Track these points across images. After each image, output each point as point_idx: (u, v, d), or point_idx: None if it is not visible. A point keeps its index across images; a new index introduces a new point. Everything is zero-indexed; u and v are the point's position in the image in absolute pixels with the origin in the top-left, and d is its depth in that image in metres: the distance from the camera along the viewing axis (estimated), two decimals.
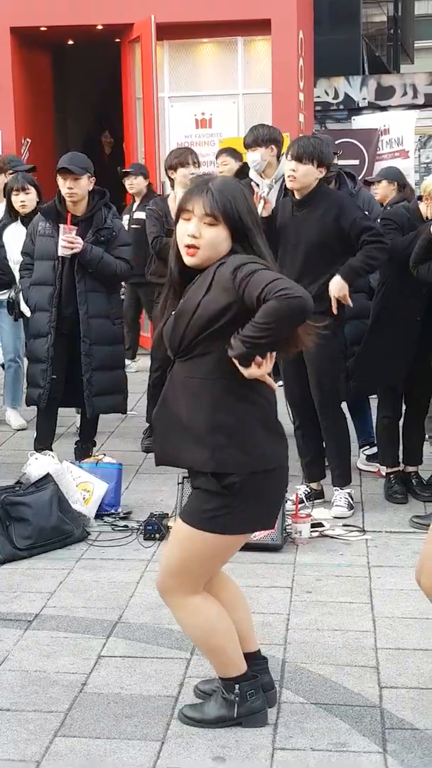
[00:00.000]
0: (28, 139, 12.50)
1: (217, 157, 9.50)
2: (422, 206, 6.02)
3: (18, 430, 8.01)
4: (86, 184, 6.46)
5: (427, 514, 5.86)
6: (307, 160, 5.78)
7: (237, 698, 3.70)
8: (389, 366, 6.13)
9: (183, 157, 6.98)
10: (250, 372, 3.36)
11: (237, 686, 3.70)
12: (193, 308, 3.42)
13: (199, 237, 3.40)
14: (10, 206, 7.74)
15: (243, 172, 7.90)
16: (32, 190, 7.64)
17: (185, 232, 3.43)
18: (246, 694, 3.71)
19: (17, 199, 7.63)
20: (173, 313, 3.52)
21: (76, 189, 6.41)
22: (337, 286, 5.76)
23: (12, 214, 7.70)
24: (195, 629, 3.71)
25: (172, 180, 7.11)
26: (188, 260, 3.45)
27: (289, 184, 5.90)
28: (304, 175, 5.81)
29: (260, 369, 3.38)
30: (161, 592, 3.70)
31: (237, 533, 3.58)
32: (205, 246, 3.41)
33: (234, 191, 3.46)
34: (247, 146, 7.11)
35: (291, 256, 5.85)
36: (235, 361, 3.35)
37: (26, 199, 7.58)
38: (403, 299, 5.95)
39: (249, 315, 3.29)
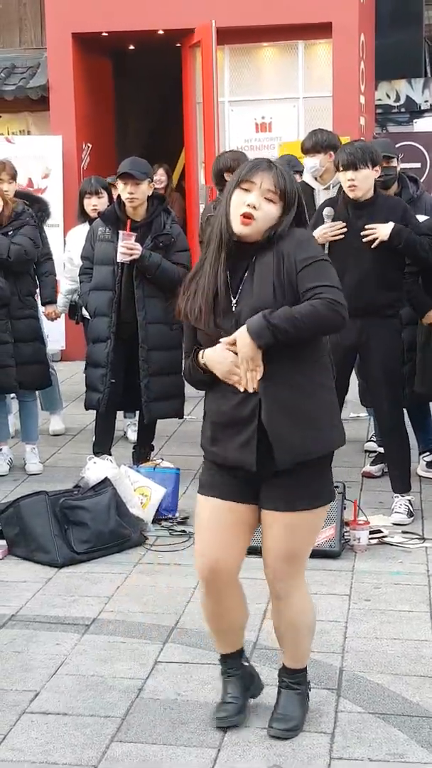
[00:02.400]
0: (88, 144, 12.57)
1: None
2: None
3: (54, 435, 8.09)
4: (146, 189, 6.48)
5: None
6: (362, 165, 5.75)
7: (308, 689, 3.81)
8: None
9: (241, 159, 6.97)
10: (243, 359, 3.43)
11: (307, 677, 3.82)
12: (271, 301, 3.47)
13: (258, 209, 3.47)
14: (82, 209, 7.79)
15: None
16: (104, 194, 7.68)
17: (243, 201, 3.48)
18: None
19: (89, 203, 7.67)
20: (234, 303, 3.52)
21: (137, 194, 6.43)
22: (386, 230, 5.77)
23: (84, 217, 7.75)
24: (310, 613, 3.79)
25: (224, 182, 7.10)
26: (240, 228, 3.49)
27: (351, 194, 5.84)
28: (364, 180, 5.78)
29: (248, 373, 3.45)
30: (285, 584, 3.66)
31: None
32: (261, 218, 3.49)
33: (292, 176, 3.61)
34: (306, 151, 7.09)
35: (355, 260, 5.79)
36: (244, 338, 3.41)
37: (98, 203, 7.61)
38: None
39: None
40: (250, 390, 3.47)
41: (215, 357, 3.52)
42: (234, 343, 3.46)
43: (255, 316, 3.43)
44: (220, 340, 3.51)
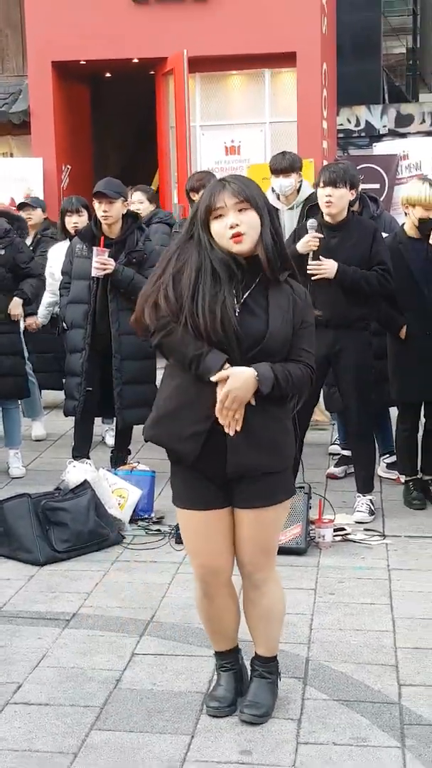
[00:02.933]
0: (68, 166, 12.56)
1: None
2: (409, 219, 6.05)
3: (36, 440, 8.06)
4: (120, 207, 6.47)
5: None
6: (341, 184, 5.75)
7: (278, 678, 3.83)
8: (415, 382, 6.11)
9: (205, 180, 6.99)
10: (235, 399, 3.39)
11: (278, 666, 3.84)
12: (285, 310, 3.50)
13: (240, 224, 3.42)
14: (63, 227, 7.79)
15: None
16: (85, 213, 7.67)
17: (225, 226, 3.43)
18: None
19: (70, 221, 7.67)
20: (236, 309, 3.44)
21: (111, 212, 6.43)
22: (332, 269, 5.73)
23: (65, 234, 7.75)
24: (282, 601, 3.80)
25: (192, 201, 7.12)
26: (238, 248, 3.43)
27: (326, 210, 5.83)
28: (340, 199, 5.79)
29: (236, 414, 3.43)
30: (263, 574, 3.67)
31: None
32: (247, 229, 3.43)
33: (244, 178, 3.59)
34: (280, 171, 7.06)
35: (327, 279, 5.79)
36: (248, 380, 3.38)
37: (79, 221, 7.61)
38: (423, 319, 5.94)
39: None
40: (232, 433, 3.43)
41: (240, 379, 3.39)
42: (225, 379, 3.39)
43: (262, 364, 3.41)
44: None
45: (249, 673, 3.85)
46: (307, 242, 5.79)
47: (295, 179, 7.09)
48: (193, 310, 3.39)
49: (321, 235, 5.80)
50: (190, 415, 3.50)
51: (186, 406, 3.51)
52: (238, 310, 3.44)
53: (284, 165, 7.05)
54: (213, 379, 3.39)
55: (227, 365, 3.39)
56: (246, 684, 3.84)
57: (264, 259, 3.45)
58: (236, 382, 3.38)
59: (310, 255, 5.77)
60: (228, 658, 3.87)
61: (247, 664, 3.89)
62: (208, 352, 3.40)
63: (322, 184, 5.81)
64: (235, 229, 3.41)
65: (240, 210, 3.43)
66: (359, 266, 5.79)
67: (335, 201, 5.78)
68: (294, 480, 3.78)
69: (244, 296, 3.47)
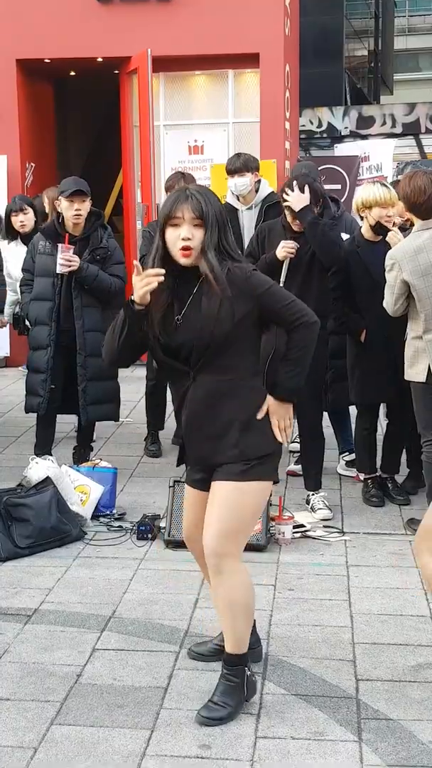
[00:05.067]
0: (32, 164, 12.49)
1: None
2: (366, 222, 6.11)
3: None
4: (89, 206, 6.48)
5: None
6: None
7: (247, 680, 3.77)
8: (373, 384, 6.15)
9: (170, 182, 7.01)
10: (283, 419, 3.73)
11: (247, 668, 3.78)
12: (214, 315, 3.54)
13: (192, 238, 3.54)
14: (9, 226, 7.75)
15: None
16: (30, 211, 7.65)
17: (178, 236, 3.54)
18: (252, 675, 3.85)
19: (17, 220, 7.65)
20: (178, 319, 3.60)
21: (83, 210, 6.44)
22: (300, 202, 5.81)
23: (11, 233, 7.72)
24: (244, 596, 3.73)
25: None
26: (184, 261, 3.57)
27: (298, 228, 5.93)
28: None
29: (287, 429, 3.77)
30: (220, 557, 3.64)
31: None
32: (197, 245, 3.54)
33: (207, 191, 3.67)
34: (233, 172, 7.12)
35: (292, 276, 5.85)
36: (282, 405, 3.72)
37: (25, 219, 7.59)
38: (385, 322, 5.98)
39: (264, 317, 3.63)
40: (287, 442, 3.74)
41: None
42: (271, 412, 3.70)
43: (278, 388, 3.70)
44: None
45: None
46: (289, 249, 5.86)
47: (251, 179, 7.11)
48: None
49: (297, 245, 5.88)
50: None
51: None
52: (179, 322, 3.61)
53: (237, 165, 7.09)
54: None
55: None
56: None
57: (211, 278, 3.54)
58: (277, 413, 3.71)
59: (286, 262, 5.85)
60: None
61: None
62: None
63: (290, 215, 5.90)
64: (186, 242, 3.54)
65: (195, 225, 3.55)
66: (322, 266, 5.86)
67: None
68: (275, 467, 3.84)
69: (185, 306, 3.61)
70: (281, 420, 3.71)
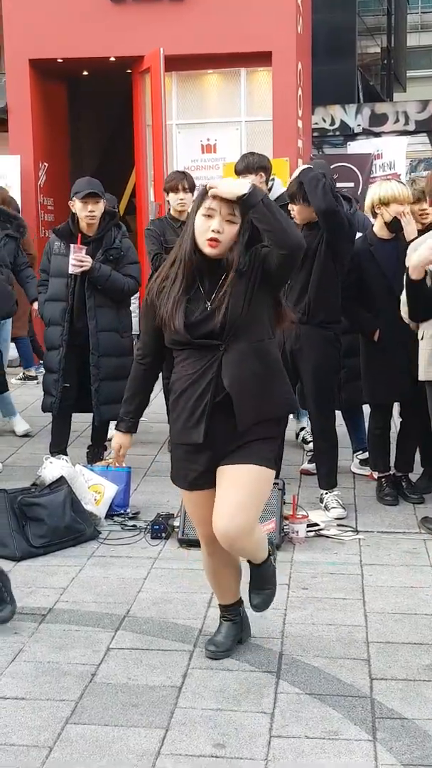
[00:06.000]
0: (45, 164, 12.52)
1: None
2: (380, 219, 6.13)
3: (26, 435, 8.04)
4: (102, 206, 6.49)
5: None
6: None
7: (271, 564, 4.19)
8: (386, 383, 6.13)
9: (174, 182, 7.03)
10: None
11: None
12: (242, 296, 3.71)
13: (222, 232, 3.65)
14: None
15: None
16: None
17: (209, 227, 3.66)
18: None
19: None
20: (207, 306, 3.74)
21: (97, 212, 6.46)
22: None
23: None
24: (264, 549, 4.04)
25: (167, 201, 7.17)
26: (209, 251, 3.70)
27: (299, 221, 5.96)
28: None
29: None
30: (244, 533, 3.82)
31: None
32: (225, 240, 3.68)
33: None
34: (238, 173, 7.11)
35: (298, 270, 5.85)
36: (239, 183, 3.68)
37: None
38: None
39: (272, 274, 3.73)
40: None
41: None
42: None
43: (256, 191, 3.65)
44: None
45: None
46: None
47: (255, 180, 7.08)
48: (162, 309, 3.80)
49: None
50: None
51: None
52: (209, 307, 3.74)
53: (240, 167, 7.08)
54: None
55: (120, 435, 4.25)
56: (246, 632, 4.29)
57: (234, 263, 3.70)
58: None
59: None
60: (230, 611, 4.26)
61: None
62: (123, 419, 4.22)
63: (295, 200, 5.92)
64: (215, 235, 3.65)
65: (228, 221, 3.66)
66: (326, 253, 5.89)
67: (299, 215, 5.95)
68: (279, 465, 3.96)
69: (213, 294, 3.74)
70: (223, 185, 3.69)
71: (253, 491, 3.83)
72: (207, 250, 3.68)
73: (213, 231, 3.65)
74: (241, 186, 3.65)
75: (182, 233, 3.83)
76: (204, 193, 3.71)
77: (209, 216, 3.66)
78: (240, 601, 4.26)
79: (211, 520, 3.87)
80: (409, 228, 6.02)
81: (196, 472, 3.92)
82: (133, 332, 7.01)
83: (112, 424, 7.11)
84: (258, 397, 3.78)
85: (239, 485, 3.80)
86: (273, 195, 7.09)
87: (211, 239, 3.66)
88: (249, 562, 4.09)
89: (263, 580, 4.11)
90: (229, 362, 3.74)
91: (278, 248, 3.64)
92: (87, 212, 6.44)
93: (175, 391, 3.89)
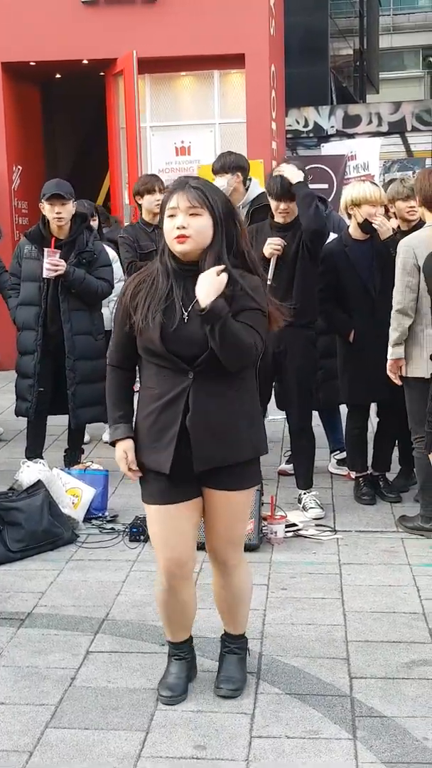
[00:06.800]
0: (19, 167, 12.48)
1: None
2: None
3: None
4: (71, 208, 6.47)
5: (414, 516, 5.82)
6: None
7: (248, 653, 4.04)
8: (363, 384, 6.15)
9: (150, 184, 7.04)
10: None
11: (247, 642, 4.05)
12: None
13: (187, 227, 3.51)
14: None
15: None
16: None
17: (173, 226, 3.53)
18: None
19: None
20: (183, 317, 3.55)
21: (64, 213, 6.42)
22: (296, 175, 5.83)
23: None
24: (249, 582, 3.96)
25: (139, 205, 7.17)
26: (179, 248, 3.53)
27: (282, 220, 5.94)
28: (295, 208, 5.89)
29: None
30: (235, 560, 3.81)
31: None
32: (194, 233, 3.51)
33: (209, 184, 3.66)
34: (215, 172, 7.12)
35: (279, 271, 5.86)
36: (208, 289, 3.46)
37: None
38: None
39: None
40: None
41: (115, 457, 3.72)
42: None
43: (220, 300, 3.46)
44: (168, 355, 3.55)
45: (219, 649, 4.00)
46: (275, 245, 5.85)
47: (231, 180, 7.08)
48: (138, 314, 3.60)
49: (284, 242, 5.87)
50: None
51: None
52: (186, 318, 3.55)
53: (216, 166, 7.11)
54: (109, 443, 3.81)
55: (121, 443, 3.69)
56: (195, 670, 4.00)
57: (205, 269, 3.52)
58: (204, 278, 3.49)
59: (273, 259, 5.84)
60: (182, 648, 3.95)
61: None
62: (117, 425, 3.72)
63: (274, 198, 5.87)
64: (181, 231, 3.51)
65: (191, 214, 3.51)
66: (305, 255, 5.89)
67: (291, 211, 5.91)
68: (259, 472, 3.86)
69: (192, 304, 3.55)
70: (205, 283, 3.47)
71: (241, 514, 3.79)
72: (177, 247, 3.53)
73: (178, 228, 3.51)
74: (204, 299, 3.46)
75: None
76: (168, 197, 3.58)
77: (172, 216, 3.55)
78: (191, 638, 3.98)
79: (182, 539, 3.70)
80: (383, 228, 6.05)
81: (165, 485, 3.66)
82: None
83: (89, 427, 7.13)
84: (221, 443, 3.58)
85: (226, 513, 3.72)
86: (249, 197, 7.10)
87: (177, 236, 3.51)
88: (225, 633, 3.98)
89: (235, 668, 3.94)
90: (199, 392, 3.55)
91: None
92: (54, 214, 6.42)
93: (143, 407, 3.68)
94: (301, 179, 5.82)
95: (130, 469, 3.68)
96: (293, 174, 5.82)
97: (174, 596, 3.80)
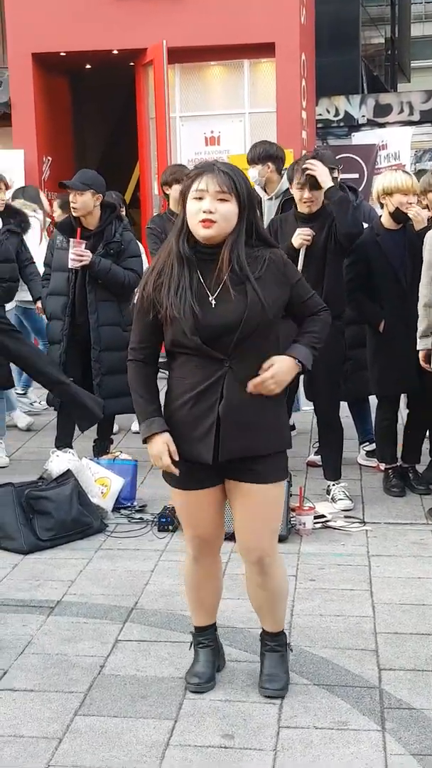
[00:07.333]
0: (49, 158, 12.54)
1: None
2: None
3: (27, 429, 8.06)
4: (89, 199, 6.43)
5: None
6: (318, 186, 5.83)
7: (288, 648, 3.95)
8: (393, 375, 6.14)
9: (178, 174, 7.03)
10: (279, 383, 3.55)
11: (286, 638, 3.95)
12: (257, 299, 3.48)
13: (214, 212, 3.44)
14: None
15: None
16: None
17: (200, 209, 3.45)
18: None
19: None
20: (212, 302, 3.49)
21: (78, 203, 6.43)
22: (326, 177, 5.80)
23: None
24: (286, 579, 3.89)
25: (167, 195, 7.16)
26: (204, 232, 3.46)
27: (307, 210, 5.90)
28: (319, 197, 5.87)
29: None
30: (271, 557, 3.73)
31: None
32: (220, 219, 3.45)
33: (237, 169, 3.59)
34: (248, 162, 7.12)
35: (308, 261, 5.85)
36: (290, 365, 3.58)
37: None
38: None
39: (289, 306, 3.64)
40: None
41: (283, 368, 3.58)
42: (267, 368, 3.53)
43: (295, 345, 3.62)
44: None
45: (260, 648, 3.93)
46: (305, 236, 5.83)
47: (261, 170, 7.06)
48: (165, 305, 3.51)
49: (313, 232, 5.85)
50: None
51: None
52: (213, 302, 3.49)
53: (248, 157, 7.10)
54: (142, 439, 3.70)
55: (160, 436, 3.61)
56: (221, 658, 3.99)
57: (226, 258, 3.47)
58: (280, 370, 3.54)
59: (302, 249, 5.83)
60: (206, 635, 3.96)
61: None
62: (152, 419, 3.64)
63: (298, 186, 5.85)
64: (207, 215, 3.44)
65: (219, 199, 3.45)
66: (334, 246, 5.88)
67: (316, 200, 5.89)
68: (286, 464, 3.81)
69: (220, 286, 3.49)
70: (277, 379, 3.52)
71: (272, 511, 3.73)
72: (201, 232, 3.45)
73: (204, 212, 3.42)
74: (291, 372, 3.62)
75: (173, 227, 3.61)
76: (195, 178, 3.50)
77: (199, 198, 3.45)
78: (215, 625, 4.00)
79: (206, 521, 3.73)
80: (419, 218, 6.02)
81: (186, 472, 3.65)
82: None
83: (118, 417, 7.16)
84: (252, 435, 3.57)
85: (258, 508, 3.67)
86: (282, 187, 7.08)
87: (203, 220, 3.42)
88: (263, 632, 3.91)
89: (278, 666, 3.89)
90: (233, 382, 3.51)
91: None
92: (71, 204, 6.46)
93: (175, 398, 3.63)
94: (332, 184, 5.78)
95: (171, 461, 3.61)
96: (325, 177, 5.77)
97: (200, 564, 3.86)
